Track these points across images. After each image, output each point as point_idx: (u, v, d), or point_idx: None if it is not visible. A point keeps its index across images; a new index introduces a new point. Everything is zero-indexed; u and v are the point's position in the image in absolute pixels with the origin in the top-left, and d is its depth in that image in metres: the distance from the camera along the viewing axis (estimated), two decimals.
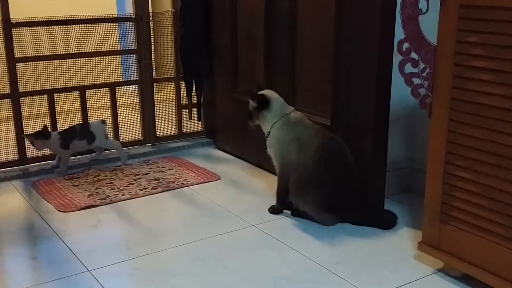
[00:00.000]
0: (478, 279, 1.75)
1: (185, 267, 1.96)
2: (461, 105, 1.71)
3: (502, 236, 1.66)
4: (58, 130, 2.89)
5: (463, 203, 1.75)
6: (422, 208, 1.90)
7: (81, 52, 3.02)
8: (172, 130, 3.34)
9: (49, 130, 2.83)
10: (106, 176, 2.80)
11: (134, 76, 3.20)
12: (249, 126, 2.39)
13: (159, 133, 3.27)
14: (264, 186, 2.67)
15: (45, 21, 2.90)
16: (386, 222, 2.24)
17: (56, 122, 2.93)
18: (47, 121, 2.91)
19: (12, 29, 2.73)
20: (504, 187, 1.63)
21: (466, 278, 1.81)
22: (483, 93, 1.65)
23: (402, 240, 2.13)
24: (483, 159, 1.68)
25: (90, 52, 3.06)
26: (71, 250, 2.07)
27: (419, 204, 2.02)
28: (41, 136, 2.77)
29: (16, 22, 2.73)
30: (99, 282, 1.86)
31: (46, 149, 2.84)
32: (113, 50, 3.31)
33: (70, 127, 2.89)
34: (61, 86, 2.96)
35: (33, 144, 2.78)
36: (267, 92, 2.35)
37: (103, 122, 2.97)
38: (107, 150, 3.05)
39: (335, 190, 2.22)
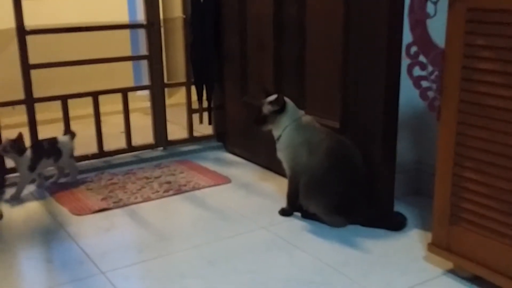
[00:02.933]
0: (488, 280, 1.75)
1: (196, 269, 1.99)
2: (469, 108, 1.73)
3: (511, 237, 1.66)
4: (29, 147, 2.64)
5: (472, 204, 1.76)
6: (431, 210, 1.91)
7: (94, 59, 3.06)
8: (183, 134, 3.37)
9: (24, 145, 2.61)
10: (119, 179, 2.83)
11: (145, 81, 3.24)
12: (261, 131, 2.41)
13: (171, 137, 3.30)
14: (274, 189, 2.69)
15: (59, 28, 2.95)
16: (396, 224, 2.25)
17: (70, 127, 2.97)
18: (60, 126, 2.95)
19: (26, 36, 2.78)
20: None
21: (475, 279, 1.82)
22: (492, 95, 1.66)
23: (412, 242, 2.14)
24: (492, 160, 1.69)
25: (102, 58, 3.09)
26: (85, 253, 2.10)
27: (428, 205, 2.02)
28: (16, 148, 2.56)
29: (30, 30, 2.78)
30: (112, 284, 1.89)
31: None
32: (125, 56, 3.36)
33: (37, 143, 2.72)
34: (75, 92, 3.00)
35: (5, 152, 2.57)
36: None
37: (72, 136, 2.78)
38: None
39: (344, 192, 2.23)
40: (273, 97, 2.32)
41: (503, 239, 1.69)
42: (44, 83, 2.99)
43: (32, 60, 2.81)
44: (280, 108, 2.30)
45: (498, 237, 1.70)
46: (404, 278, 1.89)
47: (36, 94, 2.86)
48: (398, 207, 2.37)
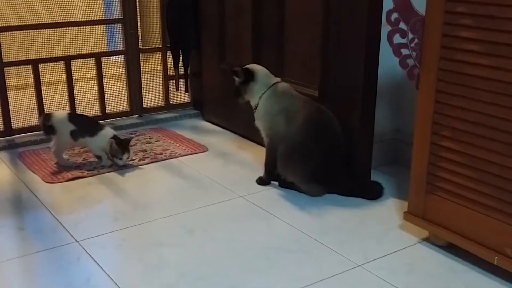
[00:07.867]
0: (463, 248, 1.78)
1: (173, 237, 1.97)
2: (448, 76, 1.71)
3: (486, 206, 1.68)
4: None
5: (449, 173, 1.77)
6: (408, 179, 1.92)
7: (66, 22, 2.96)
8: (159, 101, 3.31)
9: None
10: None
11: (119, 46, 3.16)
12: (239, 103, 2.38)
13: (146, 104, 3.24)
14: (251, 158, 2.67)
15: None
16: (373, 193, 2.26)
17: (42, 93, 2.88)
18: (32, 91, 2.86)
19: None
20: (490, 157, 1.65)
21: (450, 247, 1.84)
22: (471, 64, 1.65)
23: (388, 211, 2.16)
24: (470, 129, 1.69)
25: (74, 21, 3.00)
26: (58, 221, 2.06)
27: (405, 175, 2.03)
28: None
29: None
30: (87, 252, 1.86)
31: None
32: (98, 20, 3.26)
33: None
34: (46, 56, 2.90)
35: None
36: (250, 65, 2.35)
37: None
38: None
39: (322, 161, 2.22)
40: (237, 69, 2.32)
41: (478, 208, 1.71)
42: (15, 47, 2.88)
43: (2, 23, 2.70)
44: (246, 78, 2.28)
45: (473, 205, 1.72)
46: (380, 246, 1.91)
47: (6, 58, 2.75)
48: (375, 176, 2.38)
